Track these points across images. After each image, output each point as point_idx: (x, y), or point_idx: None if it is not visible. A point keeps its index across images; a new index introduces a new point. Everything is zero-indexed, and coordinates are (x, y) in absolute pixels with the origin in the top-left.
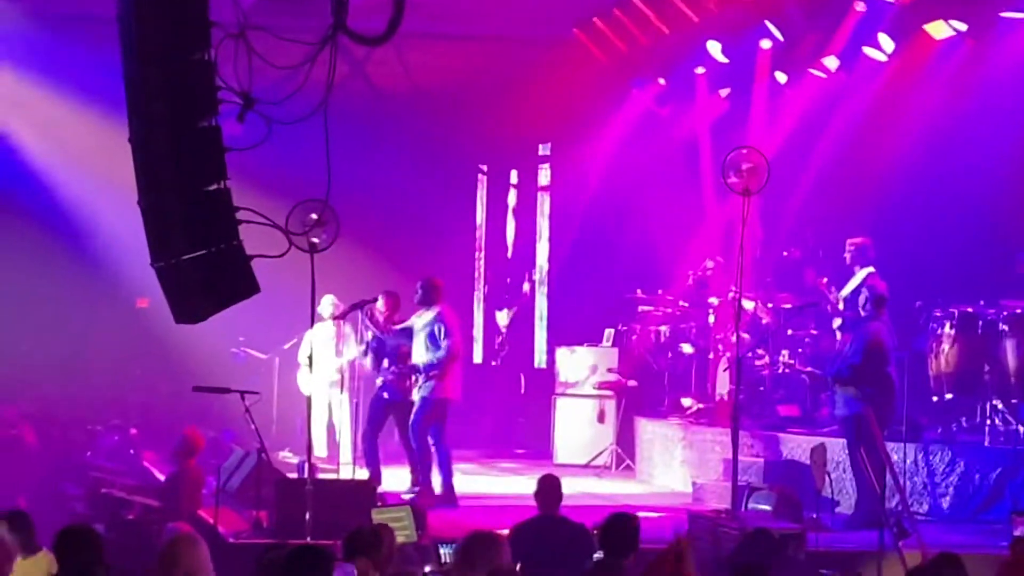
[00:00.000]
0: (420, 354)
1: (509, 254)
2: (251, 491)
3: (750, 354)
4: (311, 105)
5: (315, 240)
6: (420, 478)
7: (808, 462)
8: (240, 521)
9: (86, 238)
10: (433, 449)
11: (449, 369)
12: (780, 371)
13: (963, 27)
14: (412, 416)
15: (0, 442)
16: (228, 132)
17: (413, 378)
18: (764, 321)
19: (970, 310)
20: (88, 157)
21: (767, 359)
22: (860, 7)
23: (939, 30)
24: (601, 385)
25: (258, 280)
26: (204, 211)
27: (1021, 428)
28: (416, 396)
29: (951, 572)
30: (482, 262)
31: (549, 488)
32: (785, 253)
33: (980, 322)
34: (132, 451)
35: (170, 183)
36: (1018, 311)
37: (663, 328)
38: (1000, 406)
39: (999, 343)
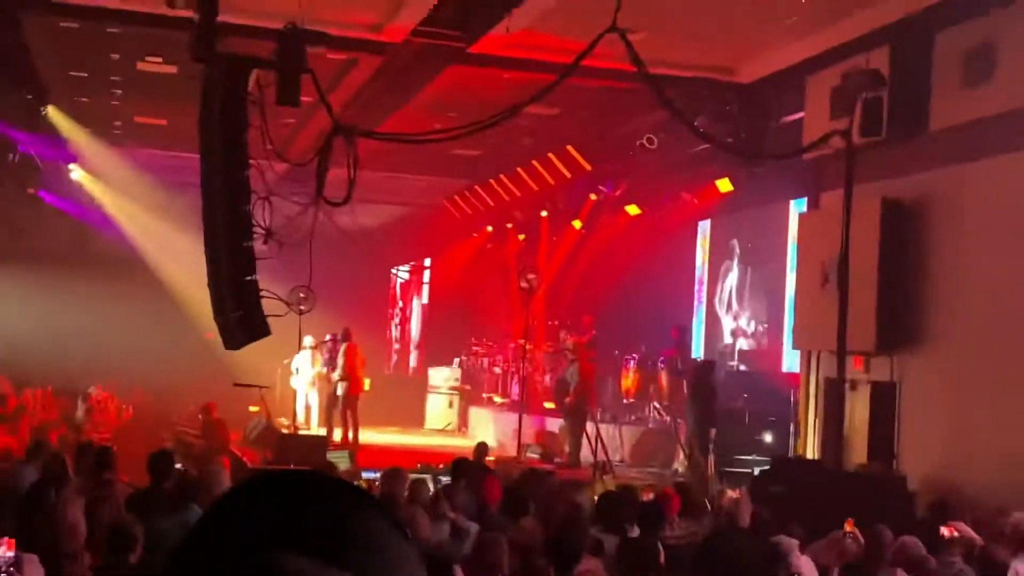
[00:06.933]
0: None
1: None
2: None
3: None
4: (304, 235)
5: (302, 307)
6: None
7: None
8: None
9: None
10: None
11: None
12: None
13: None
14: None
15: None
16: (258, 248)
17: None
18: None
19: None
20: (186, 257)
21: None
22: (593, 196)
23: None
24: None
25: (271, 327)
26: (243, 291)
27: None
28: None
29: None
30: None
31: None
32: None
33: None
34: None
35: (225, 275)
36: None
37: None
38: None
39: None
